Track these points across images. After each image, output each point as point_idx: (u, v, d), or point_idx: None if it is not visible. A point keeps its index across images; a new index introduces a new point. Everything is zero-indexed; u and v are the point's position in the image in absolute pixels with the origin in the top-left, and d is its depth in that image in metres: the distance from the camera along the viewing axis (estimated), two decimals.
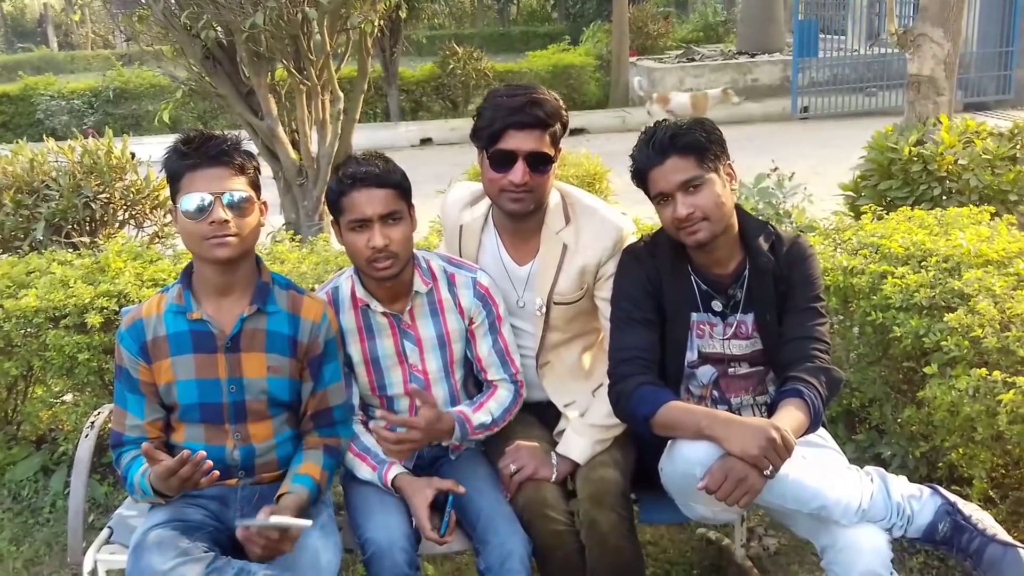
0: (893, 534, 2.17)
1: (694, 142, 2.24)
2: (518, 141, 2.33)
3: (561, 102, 2.41)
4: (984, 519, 2.18)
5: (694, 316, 2.37)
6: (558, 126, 2.39)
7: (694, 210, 2.22)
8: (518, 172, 2.33)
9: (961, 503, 2.21)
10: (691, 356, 2.40)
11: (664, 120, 2.33)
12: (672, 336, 2.38)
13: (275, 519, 2.01)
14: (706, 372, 2.41)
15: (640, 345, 2.33)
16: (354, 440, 2.41)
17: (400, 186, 2.32)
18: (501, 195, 2.39)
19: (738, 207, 2.37)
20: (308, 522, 2.04)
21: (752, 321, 2.36)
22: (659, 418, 2.18)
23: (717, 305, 2.36)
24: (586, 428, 2.43)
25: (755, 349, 2.38)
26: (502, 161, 2.35)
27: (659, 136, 2.26)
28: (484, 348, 2.48)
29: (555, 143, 2.39)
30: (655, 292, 2.36)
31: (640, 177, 2.33)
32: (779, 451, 1.99)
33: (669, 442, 2.20)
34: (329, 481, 2.33)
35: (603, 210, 2.50)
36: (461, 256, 2.57)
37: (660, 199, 2.29)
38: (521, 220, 2.47)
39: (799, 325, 2.30)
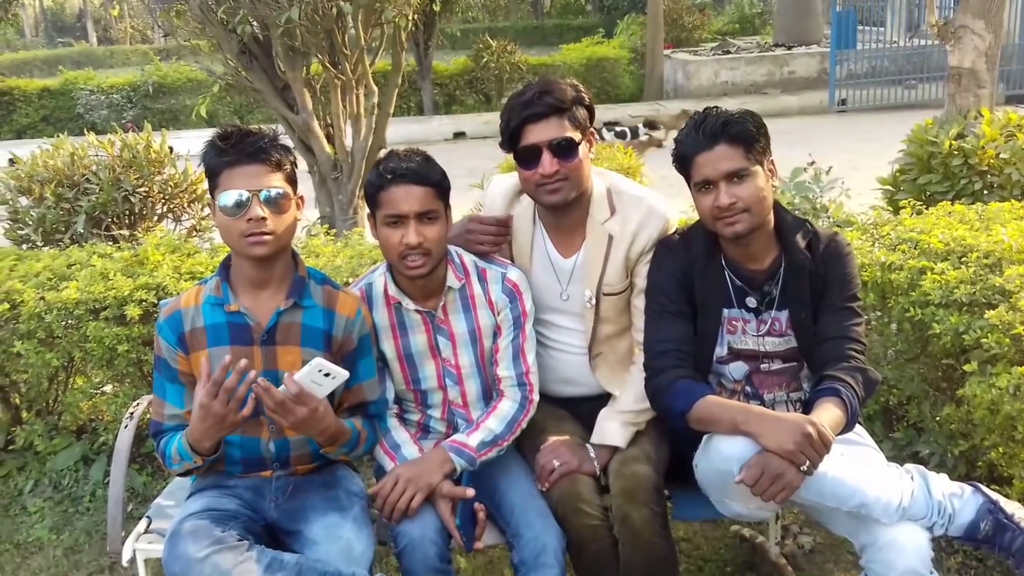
0: (934, 532, 2.14)
1: (745, 132, 2.21)
2: (537, 133, 2.33)
3: (580, 88, 2.40)
4: None
5: (725, 312, 2.35)
6: (577, 109, 2.37)
7: (736, 200, 2.20)
8: (545, 163, 2.33)
9: (1004, 502, 2.17)
10: (720, 351, 2.38)
11: (715, 107, 2.29)
12: (702, 330, 2.36)
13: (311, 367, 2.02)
14: (738, 368, 2.39)
15: (676, 337, 2.32)
16: (385, 435, 2.42)
17: (439, 185, 2.31)
18: (538, 190, 2.39)
19: (776, 203, 2.34)
20: (345, 373, 2.07)
21: (786, 318, 2.34)
22: (695, 413, 2.17)
23: (751, 301, 2.34)
24: (616, 414, 2.44)
25: (789, 346, 2.35)
26: (528, 157, 2.35)
27: (710, 122, 2.23)
28: (504, 341, 2.47)
29: (578, 127, 2.36)
30: (687, 285, 2.35)
31: (683, 162, 2.29)
32: (816, 447, 1.97)
33: (704, 438, 2.19)
34: (366, 446, 2.35)
35: (649, 199, 2.48)
36: (513, 249, 2.55)
37: (703, 186, 2.25)
38: (564, 212, 2.45)
39: (835, 324, 2.27)
